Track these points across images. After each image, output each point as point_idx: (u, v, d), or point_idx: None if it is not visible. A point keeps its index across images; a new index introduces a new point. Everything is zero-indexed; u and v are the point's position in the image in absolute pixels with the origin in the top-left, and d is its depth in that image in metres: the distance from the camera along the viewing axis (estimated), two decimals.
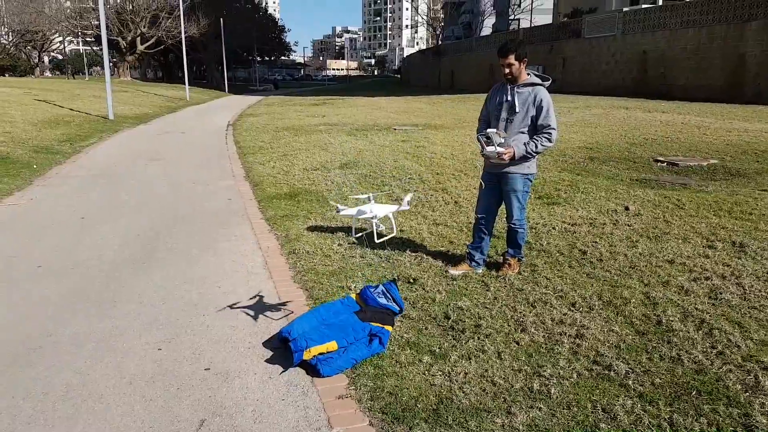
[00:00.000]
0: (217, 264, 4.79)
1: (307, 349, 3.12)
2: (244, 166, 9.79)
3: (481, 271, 4.40)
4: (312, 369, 3.07)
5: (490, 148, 4.02)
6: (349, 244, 5.13)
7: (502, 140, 3.99)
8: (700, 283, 4.12)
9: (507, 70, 3.99)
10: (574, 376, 2.92)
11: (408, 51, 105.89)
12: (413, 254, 4.80)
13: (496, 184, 4.27)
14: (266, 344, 3.39)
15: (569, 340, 3.29)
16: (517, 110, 4.02)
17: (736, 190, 7.09)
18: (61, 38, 61.46)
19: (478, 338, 3.32)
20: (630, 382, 2.85)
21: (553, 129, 3.99)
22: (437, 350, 3.21)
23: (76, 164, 10.16)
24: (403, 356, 3.15)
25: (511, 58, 3.93)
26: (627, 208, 6.15)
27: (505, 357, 3.11)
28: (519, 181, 4.15)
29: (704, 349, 3.17)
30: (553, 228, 5.53)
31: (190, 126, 18.01)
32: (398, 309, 3.57)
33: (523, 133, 4.06)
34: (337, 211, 3.33)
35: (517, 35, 40.63)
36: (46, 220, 6.25)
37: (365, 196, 3.57)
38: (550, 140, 3.99)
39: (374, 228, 3.30)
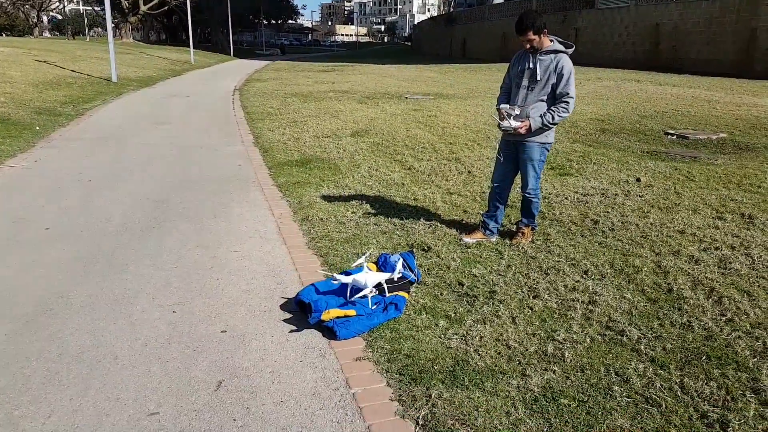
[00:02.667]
0: (230, 229, 4.81)
1: (327, 311, 3.16)
2: (252, 132, 9.75)
3: (495, 239, 4.44)
4: (329, 331, 3.12)
5: (505, 123, 4.03)
6: (363, 212, 5.15)
7: (518, 112, 4.01)
8: (710, 252, 4.15)
9: (528, 45, 3.99)
10: (587, 340, 2.97)
11: (419, 18, 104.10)
12: (427, 222, 4.83)
13: (513, 153, 4.28)
14: (283, 307, 3.42)
15: (582, 306, 3.34)
16: (538, 78, 4.00)
17: (745, 164, 7.06)
18: None
19: (493, 304, 3.37)
20: (642, 347, 2.90)
21: (572, 98, 3.97)
22: (452, 315, 3.26)
23: (80, 127, 10.13)
24: (419, 320, 3.20)
25: (530, 35, 3.91)
26: (638, 180, 6.15)
27: (520, 322, 3.16)
28: (536, 149, 4.15)
29: (714, 317, 3.21)
30: (566, 198, 5.54)
31: (195, 90, 17.87)
32: (415, 279, 3.61)
33: (542, 101, 4.05)
34: (333, 280, 3.35)
35: (530, 5, 39.89)
36: (52, 182, 6.22)
37: (361, 259, 3.59)
38: (567, 110, 3.97)
39: (369, 297, 3.33)
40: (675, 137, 8.95)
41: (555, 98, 4.02)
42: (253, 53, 57.16)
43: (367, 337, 3.08)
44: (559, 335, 3.01)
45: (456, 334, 3.04)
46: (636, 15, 29.07)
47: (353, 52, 67.77)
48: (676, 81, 18.57)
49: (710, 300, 3.42)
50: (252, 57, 49.12)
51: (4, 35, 49.57)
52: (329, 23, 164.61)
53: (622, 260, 4.01)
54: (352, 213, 5.12)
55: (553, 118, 3.98)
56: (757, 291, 3.54)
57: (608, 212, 5.08)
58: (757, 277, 3.75)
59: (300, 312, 3.35)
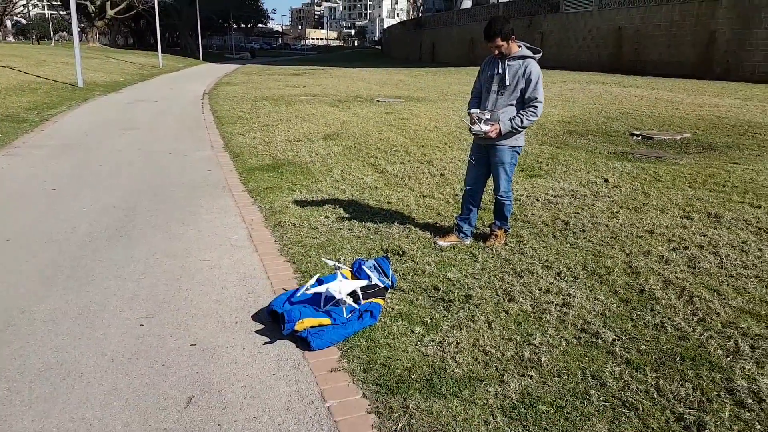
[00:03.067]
0: (199, 237, 4.70)
1: (300, 320, 3.10)
2: (222, 137, 9.60)
3: (468, 242, 4.45)
4: (303, 342, 3.05)
5: (475, 127, 4.07)
6: (336, 216, 5.09)
7: (488, 117, 4.06)
8: (680, 252, 4.22)
9: (496, 51, 4.02)
10: (563, 344, 2.97)
11: (388, 22, 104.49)
12: (401, 226, 4.80)
13: (484, 157, 4.30)
14: (255, 318, 3.34)
15: (556, 309, 3.34)
16: (507, 83, 4.02)
17: (709, 163, 7.23)
18: (24, 1, 58.93)
19: (469, 308, 3.35)
20: (617, 350, 2.91)
21: (540, 102, 4.00)
22: (429, 321, 3.23)
23: (45, 133, 9.84)
24: (395, 327, 3.16)
25: (498, 41, 3.94)
26: (606, 180, 6.24)
27: (496, 326, 3.15)
28: (507, 153, 4.18)
29: (686, 316, 3.25)
30: (537, 200, 5.58)
31: (164, 94, 17.56)
32: (390, 285, 3.57)
33: (512, 105, 4.07)
34: (306, 290, 3.29)
35: (496, 10, 40.36)
36: (15, 191, 6.02)
37: (331, 263, 3.56)
38: (536, 114, 4.01)
39: (343, 307, 3.27)
40: (640, 138, 9.12)
41: (524, 102, 4.06)
42: (223, 57, 56.46)
43: (342, 347, 3.02)
44: (535, 339, 3.01)
45: (432, 341, 3.01)
46: (599, 19, 29.69)
47: (324, 56, 67.60)
48: (640, 83, 19.00)
49: (681, 300, 3.46)
50: (222, 61, 48.56)
51: None
52: (299, 27, 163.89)
53: (593, 261, 4.04)
54: (325, 218, 5.06)
55: (522, 122, 4.01)
56: (726, 290, 3.59)
57: (578, 213, 5.13)
58: (726, 276, 3.81)
59: (273, 322, 3.28)
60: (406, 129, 10.05)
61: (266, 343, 3.08)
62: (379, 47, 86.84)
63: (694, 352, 2.89)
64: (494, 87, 4.09)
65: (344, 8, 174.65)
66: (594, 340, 3.01)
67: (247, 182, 6.47)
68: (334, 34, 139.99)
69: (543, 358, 2.83)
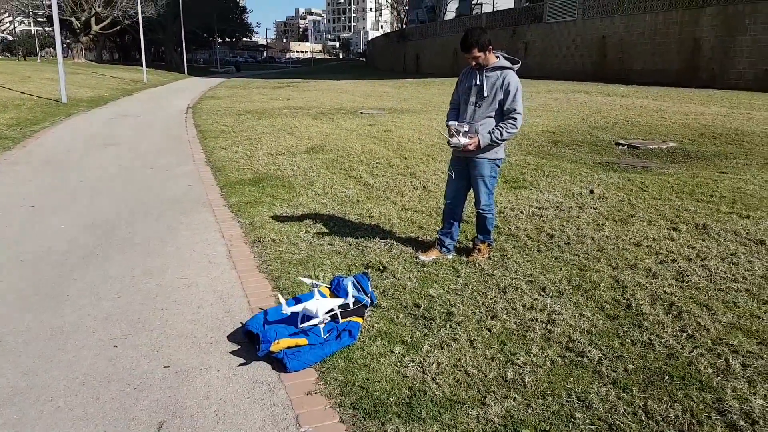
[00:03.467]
0: (177, 254, 4.59)
1: (276, 341, 3.00)
2: (205, 151, 9.48)
3: (451, 256, 4.35)
4: (278, 363, 2.95)
5: (454, 140, 3.97)
6: (316, 231, 4.99)
7: (466, 129, 3.97)
8: (667, 265, 4.14)
9: (474, 63, 3.95)
10: (548, 363, 2.88)
11: (372, 34, 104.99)
12: (383, 240, 4.70)
13: (464, 170, 4.21)
14: (230, 338, 3.25)
15: (541, 326, 3.25)
16: (485, 94, 3.95)
17: (696, 173, 7.20)
18: (10, 18, 58.61)
19: (450, 326, 3.25)
20: (603, 369, 2.82)
21: (519, 114, 3.92)
22: (409, 340, 3.13)
23: (26, 150, 9.68)
24: (374, 347, 3.06)
25: (475, 52, 3.87)
26: (592, 191, 6.18)
27: (478, 345, 3.05)
28: (486, 166, 4.09)
29: (674, 333, 3.17)
30: (521, 212, 5.50)
31: (147, 109, 17.41)
32: (369, 302, 3.47)
33: (490, 117, 3.99)
34: (282, 309, 3.20)
35: (479, 21, 40.69)
36: None
37: (309, 281, 3.45)
38: (515, 126, 3.92)
39: (321, 327, 3.18)
40: (626, 147, 9.11)
41: (503, 114, 3.97)
42: (208, 71, 56.40)
43: (319, 368, 2.92)
44: (518, 359, 2.91)
45: (413, 362, 2.91)
46: (583, 28, 29.96)
47: (309, 69, 67.65)
48: (625, 92, 19.11)
49: (670, 315, 3.37)
50: (207, 75, 48.45)
51: None
52: (284, 40, 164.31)
53: (579, 276, 3.96)
54: (305, 233, 4.95)
55: (501, 134, 3.92)
56: (716, 304, 3.51)
57: (563, 225, 5.06)
58: (715, 289, 3.73)
59: (248, 342, 3.18)
60: (389, 141, 9.99)
61: (241, 364, 2.98)
62: (364, 59, 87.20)
63: (683, 370, 2.80)
64: (472, 98, 4.01)
65: (328, 21, 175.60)
66: (579, 359, 2.92)
67: (228, 197, 6.37)
68: (318, 47, 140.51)
69: (527, 379, 2.73)
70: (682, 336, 3.13)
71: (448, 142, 4.06)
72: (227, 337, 3.26)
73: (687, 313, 3.38)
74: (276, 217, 5.47)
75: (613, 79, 25.76)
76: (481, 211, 4.22)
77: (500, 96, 3.93)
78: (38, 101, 17.07)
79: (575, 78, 27.61)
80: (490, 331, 3.20)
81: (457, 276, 3.98)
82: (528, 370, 2.82)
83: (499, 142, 3.97)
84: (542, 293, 3.68)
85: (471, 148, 3.94)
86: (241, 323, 3.36)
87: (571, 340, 3.10)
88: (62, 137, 11.26)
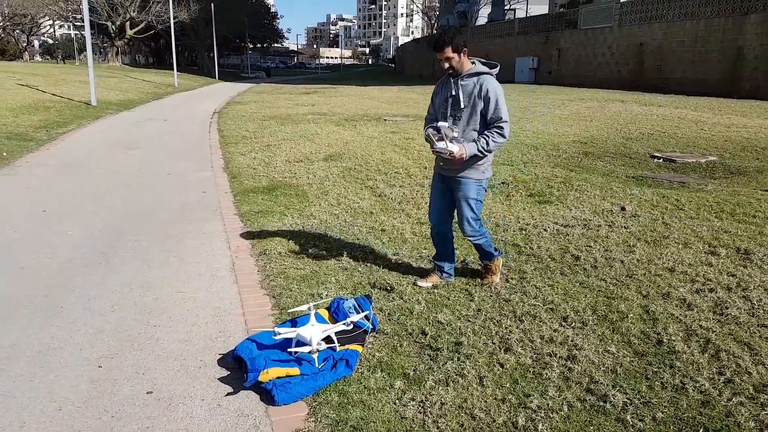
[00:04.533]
0: (180, 265, 4.40)
1: (265, 370, 2.75)
2: (224, 157, 9.36)
3: (452, 280, 3.98)
4: (267, 394, 2.70)
5: (441, 144, 3.45)
6: (324, 244, 4.74)
7: (455, 135, 3.50)
8: (704, 295, 3.75)
9: (447, 65, 3.50)
10: (565, 408, 2.55)
11: (403, 40, 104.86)
12: (393, 257, 4.42)
13: (447, 190, 3.79)
14: (220, 362, 3.02)
15: (560, 362, 2.92)
16: (462, 105, 3.51)
17: (738, 190, 6.73)
18: (50, 22, 60.35)
19: (458, 359, 2.95)
20: (628, 417, 2.49)
21: (505, 122, 3.49)
22: (411, 373, 2.83)
23: (49, 152, 9.70)
24: (372, 380, 2.78)
25: (448, 51, 3.43)
26: (623, 209, 5.78)
27: (488, 383, 2.74)
28: (472, 187, 3.66)
29: (711, 376, 2.80)
30: (545, 230, 5.15)
31: (174, 113, 17.50)
32: (371, 328, 3.19)
33: (475, 130, 3.56)
34: (275, 334, 2.93)
35: (512, 26, 40.17)
36: (4, 212, 5.83)
37: (305, 306, 3.16)
38: (502, 135, 3.49)
39: (315, 356, 2.91)
40: (662, 160, 8.65)
41: (487, 125, 3.56)
42: (239, 76, 57.00)
43: (311, 402, 2.66)
44: (532, 401, 2.59)
45: (413, 400, 2.61)
46: (619, 35, 29.23)
47: (337, 74, 67.85)
48: (662, 101, 18.46)
49: (706, 355, 3.00)
50: (237, 80, 48.94)
51: None
52: (315, 46, 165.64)
53: (605, 304, 3.61)
54: (313, 246, 4.71)
55: (487, 143, 3.47)
56: (758, 343, 3.12)
57: (590, 246, 4.69)
58: (758, 325, 3.33)
59: (238, 368, 2.93)
60: (410, 149, 9.70)
61: (228, 393, 2.75)
62: (393, 65, 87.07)
63: (720, 422, 2.45)
64: (449, 111, 3.57)
65: (359, 27, 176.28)
66: (601, 403, 2.59)
67: (240, 205, 6.17)
68: (348, 53, 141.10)
69: (540, 426, 2.41)
70: (719, 380, 2.77)
71: (433, 147, 3.54)
72: (217, 361, 3.04)
73: (725, 353, 3.00)
74: (285, 228, 5.24)
75: (650, 88, 25.02)
76: (471, 239, 3.82)
77: (480, 105, 3.49)
78: (68, 104, 17.29)
79: (610, 86, 26.92)
80: (502, 366, 2.89)
81: (470, 300, 3.66)
82: (542, 415, 2.50)
83: (485, 152, 3.51)
84: (563, 323, 3.35)
85: (457, 157, 3.46)
86: (234, 345, 3.12)
87: (592, 381, 2.76)
88: (86, 140, 11.29)
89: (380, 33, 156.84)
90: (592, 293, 3.77)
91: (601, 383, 2.74)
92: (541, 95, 22.08)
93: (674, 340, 3.14)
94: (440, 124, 3.52)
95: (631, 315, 3.45)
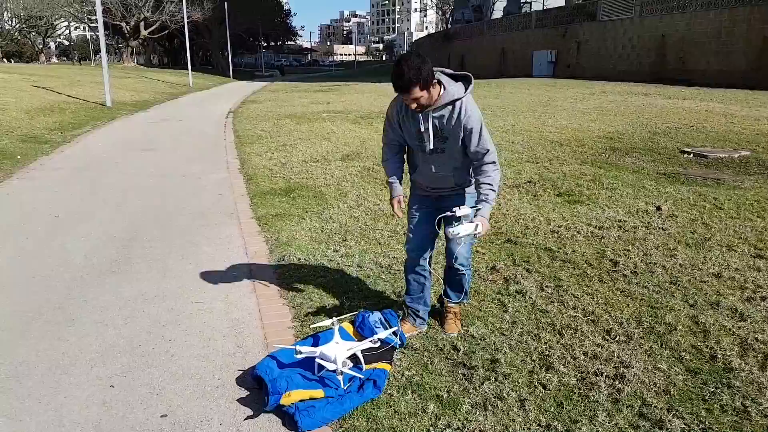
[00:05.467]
0: (196, 274, 4.22)
1: (287, 393, 2.55)
2: (240, 157, 9.19)
3: (425, 328, 3.25)
4: (289, 419, 2.50)
5: (460, 230, 2.73)
6: (345, 250, 4.53)
7: (468, 212, 2.82)
8: (756, 304, 3.48)
9: (414, 105, 2.78)
10: None
11: (417, 35, 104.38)
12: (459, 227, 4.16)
13: (433, 212, 3.08)
14: (239, 381, 2.82)
15: (607, 382, 2.67)
16: (446, 135, 2.88)
17: None
18: (66, 23, 60.91)
19: (496, 379, 2.72)
20: None
21: (491, 153, 2.84)
22: (445, 395, 2.61)
23: (64, 155, 9.61)
24: (403, 403, 2.56)
25: (416, 92, 2.68)
26: (659, 209, 5.49)
27: (530, 407, 2.50)
28: (471, 202, 3.01)
29: None
30: (578, 232, 4.88)
31: (189, 113, 17.42)
32: (399, 344, 2.97)
33: (456, 166, 2.97)
34: (296, 353, 2.70)
35: (529, 20, 39.61)
36: (18, 218, 5.71)
37: (329, 321, 2.91)
38: (497, 171, 2.86)
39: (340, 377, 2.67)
40: (692, 156, 8.31)
41: (470, 157, 2.91)
42: (253, 75, 56.97)
43: (336, 427, 2.46)
44: (580, 428, 2.36)
45: (449, 426, 2.39)
46: (640, 26, 28.60)
47: (351, 72, 67.61)
48: (687, 94, 17.96)
49: (767, 373, 2.74)
50: (251, 79, 48.92)
51: (12, 61, 49.77)
52: (328, 43, 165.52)
53: (650, 315, 3.35)
54: (333, 252, 4.50)
55: (492, 190, 2.83)
56: None
57: (628, 250, 4.41)
58: None
59: (258, 389, 2.73)
60: None
61: (248, 417, 2.55)
62: None
63: None
64: (430, 145, 2.90)
65: (372, 23, 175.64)
66: (657, 430, 2.35)
67: (257, 208, 5.98)
68: (362, 50, 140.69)
69: None
70: None
71: (447, 234, 2.83)
72: (236, 379, 2.85)
73: None
74: (304, 232, 5.05)
75: (672, 80, 24.40)
76: (457, 268, 3.13)
77: (460, 135, 2.85)
78: (84, 105, 17.27)
79: (631, 79, 26.32)
80: (544, 387, 2.65)
81: (504, 311, 3.42)
82: None
83: (491, 202, 2.85)
84: (607, 337, 3.10)
85: (482, 232, 2.79)
86: (254, 361, 2.93)
87: (645, 404, 2.52)
88: (101, 142, 11.20)
89: (394, 29, 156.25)
90: (635, 302, 3.52)
91: (655, 406, 2.50)
92: (562, 89, 21.66)
93: (729, 356, 2.88)
94: (460, 212, 2.80)
95: (680, 327, 3.19)
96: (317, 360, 2.68)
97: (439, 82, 2.78)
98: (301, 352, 2.69)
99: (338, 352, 2.67)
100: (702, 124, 11.26)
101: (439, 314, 3.34)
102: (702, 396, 2.58)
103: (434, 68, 2.75)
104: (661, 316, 3.31)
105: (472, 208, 2.84)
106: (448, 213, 2.84)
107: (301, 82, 39.37)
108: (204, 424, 2.51)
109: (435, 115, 2.83)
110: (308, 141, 10.45)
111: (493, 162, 2.85)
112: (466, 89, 2.83)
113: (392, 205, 3.16)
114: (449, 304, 3.25)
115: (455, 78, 2.87)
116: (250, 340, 3.24)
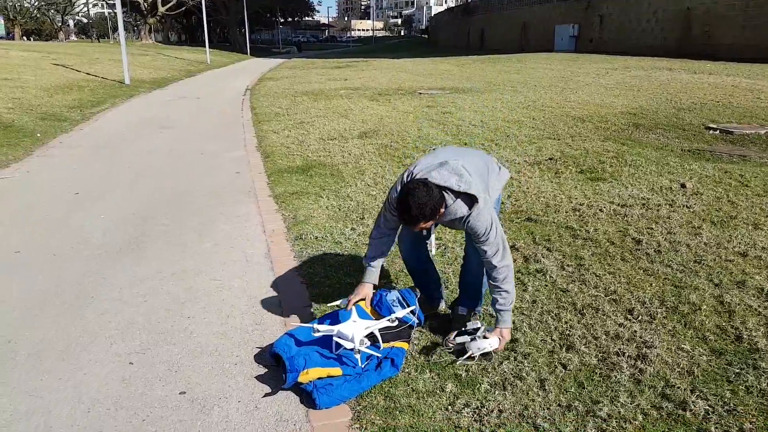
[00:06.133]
0: (213, 251, 4.23)
1: (305, 370, 2.54)
2: (257, 135, 9.16)
3: (443, 306, 3.18)
4: (307, 396, 2.50)
5: (474, 349, 2.61)
6: (363, 228, 4.50)
7: (479, 326, 2.75)
8: None
9: (423, 231, 2.75)
10: (640, 417, 2.27)
11: (436, 9, 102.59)
12: (436, 242, 4.15)
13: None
14: (258, 359, 2.83)
15: (629, 363, 2.63)
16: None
17: None
18: (84, 1, 61.01)
19: (515, 358, 2.68)
20: (712, 427, 2.20)
21: (497, 251, 2.60)
22: (464, 375, 2.58)
23: (83, 132, 9.67)
24: (420, 382, 2.54)
25: (423, 224, 2.52)
26: (683, 186, 5.36)
27: (550, 387, 2.47)
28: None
29: None
30: (600, 210, 4.78)
31: (207, 91, 17.41)
32: (417, 322, 2.94)
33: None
34: (314, 331, 2.66)
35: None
36: (37, 196, 5.76)
37: (340, 302, 2.86)
38: (509, 269, 2.64)
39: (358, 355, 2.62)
40: (718, 132, 8.10)
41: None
42: (270, 51, 56.68)
43: (354, 405, 2.44)
44: (602, 409, 2.32)
45: (467, 406, 2.37)
46: (665, 0, 27.80)
47: (369, 47, 66.90)
48: (712, 68, 17.48)
49: None
50: (269, 55, 48.66)
51: (31, 39, 50.09)
52: (346, 18, 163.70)
53: (674, 294, 3.28)
54: (351, 230, 4.48)
55: (505, 299, 2.66)
56: None
57: (652, 228, 4.32)
58: None
59: (276, 366, 2.74)
60: (448, 124, 9.31)
61: (266, 394, 2.55)
62: (426, 36, 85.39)
63: None
64: (432, 251, 2.95)
65: None
66: (680, 411, 2.30)
67: (274, 186, 5.97)
68: (380, 25, 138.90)
69: None
70: None
71: (457, 359, 2.66)
72: (254, 357, 2.85)
73: None
74: (321, 210, 5.02)
75: (698, 54, 23.75)
76: (478, 268, 2.87)
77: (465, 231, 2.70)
78: (102, 83, 17.34)
79: (655, 54, 25.66)
80: (565, 367, 2.61)
81: (524, 290, 3.37)
82: (614, 425, 2.23)
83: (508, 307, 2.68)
84: (629, 317, 3.04)
85: (500, 348, 2.69)
86: (272, 338, 2.93)
87: (668, 385, 2.47)
88: (119, 120, 11.26)
89: (412, 3, 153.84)
90: (658, 281, 3.44)
91: (678, 387, 2.45)
92: (584, 64, 21.21)
93: (755, 337, 2.82)
94: (469, 345, 2.64)
95: (704, 307, 3.12)
96: (335, 339, 2.67)
97: (446, 201, 2.52)
98: (318, 331, 2.68)
99: (356, 330, 2.65)
100: (728, 100, 10.95)
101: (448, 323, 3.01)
102: (727, 377, 2.52)
103: (439, 185, 2.49)
104: (685, 296, 3.24)
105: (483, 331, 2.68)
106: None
107: (318, 59, 39.11)
108: (222, 401, 2.51)
109: (443, 221, 2.64)
110: (325, 118, 10.38)
111: (507, 266, 2.62)
112: (470, 207, 2.54)
113: (348, 300, 2.82)
114: (460, 313, 3.00)
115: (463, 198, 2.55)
116: (268, 317, 3.24)
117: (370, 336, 2.73)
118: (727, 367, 2.60)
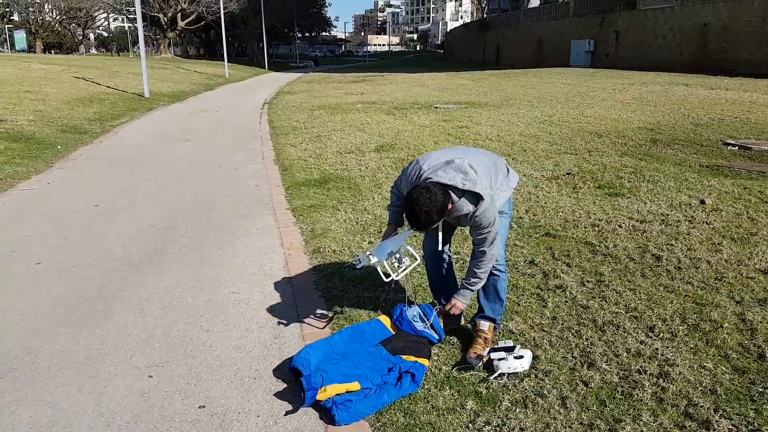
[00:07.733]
0: (233, 264, 4.26)
1: (323, 388, 2.54)
2: (275, 148, 9.25)
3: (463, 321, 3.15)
4: (327, 413, 2.50)
5: (502, 364, 2.66)
6: (380, 241, 4.51)
7: (514, 344, 2.80)
8: None
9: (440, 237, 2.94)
10: None
11: (452, 25, 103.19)
12: (455, 256, 4.15)
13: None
14: (276, 373, 2.83)
15: (651, 381, 2.60)
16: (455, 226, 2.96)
17: None
18: (105, 15, 62.19)
19: (536, 376, 2.67)
20: None
21: (486, 248, 2.71)
22: (484, 392, 2.57)
23: (103, 145, 9.82)
24: (441, 399, 2.53)
25: (433, 225, 2.62)
26: (703, 202, 5.31)
27: (572, 405, 2.45)
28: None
29: None
30: (619, 226, 4.75)
31: (225, 104, 17.61)
32: (437, 338, 2.94)
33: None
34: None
35: (567, 8, 38.75)
36: (58, 208, 5.84)
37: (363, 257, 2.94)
38: (484, 262, 2.75)
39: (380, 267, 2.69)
40: (737, 148, 8.02)
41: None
42: (287, 66, 57.28)
43: (374, 422, 2.44)
44: (624, 427, 2.29)
45: (488, 424, 2.35)
46: (681, 15, 27.74)
47: (386, 62, 67.36)
48: (729, 84, 17.35)
49: None
50: (286, 70, 49.19)
51: (52, 52, 51.14)
52: (362, 33, 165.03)
53: (695, 312, 3.24)
54: (368, 243, 4.49)
55: (474, 283, 2.81)
56: None
57: (672, 245, 4.28)
58: None
59: (295, 381, 2.74)
60: (464, 138, 9.32)
61: (287, 412, 2.54)
62: (442, 51, 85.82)
63: None
64: (440, 246, 2.99)
65: (407, 12, 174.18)
66: (704, 431, 2.27)
67: (292, 199, 6.01)
68: (396, 40, 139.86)
69: None
70: None
71: (475, 371, 2.73)
72: (273, 371, 2.86)
73: None
74: (339, 224, 5.05)
75: (714, 70, 23.60)
76: (495, 270, 2.92)
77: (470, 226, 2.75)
78: (122, 96, 17.62)
79: (672, 69, 25.55)
80: (586, 385, 2.59)
81: (543, 306, 3.36)
82: None
83: (473, 289, 2.83)
84: (650, 334, 3.01)
85: (456, 311, 2.88)
86: (291, 353, 2.94)
87: (691, 404, 2.44)
88: (139, 132, 11.41)
89: (428, 18, 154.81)
90: (678, 299, 3.41)
91: (701, 406, 2.41)
92: (600, 79, 21.16)
93: None
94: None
95: (726, 324, 3.08)
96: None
97: (452, 197, 2.60)
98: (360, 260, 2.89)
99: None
100: (746, 116, 10.86)
101: (469, 337, 3.01)
102: (750, 396, 2.49)
103: (444, 183, 2.58)
104: (706, 313, 3.21)
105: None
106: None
107: (335, 73, 39.42)
108: (242, 415, 2.52)
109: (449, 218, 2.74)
110: (342, 132, 10.45)
111: (492, 254, 2.72)
112: (476, 204, 2.62)
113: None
114: (481, 326, 2.97)
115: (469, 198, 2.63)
116: (287, 331, 3.25)
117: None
118: (750, 385, 2.56)
